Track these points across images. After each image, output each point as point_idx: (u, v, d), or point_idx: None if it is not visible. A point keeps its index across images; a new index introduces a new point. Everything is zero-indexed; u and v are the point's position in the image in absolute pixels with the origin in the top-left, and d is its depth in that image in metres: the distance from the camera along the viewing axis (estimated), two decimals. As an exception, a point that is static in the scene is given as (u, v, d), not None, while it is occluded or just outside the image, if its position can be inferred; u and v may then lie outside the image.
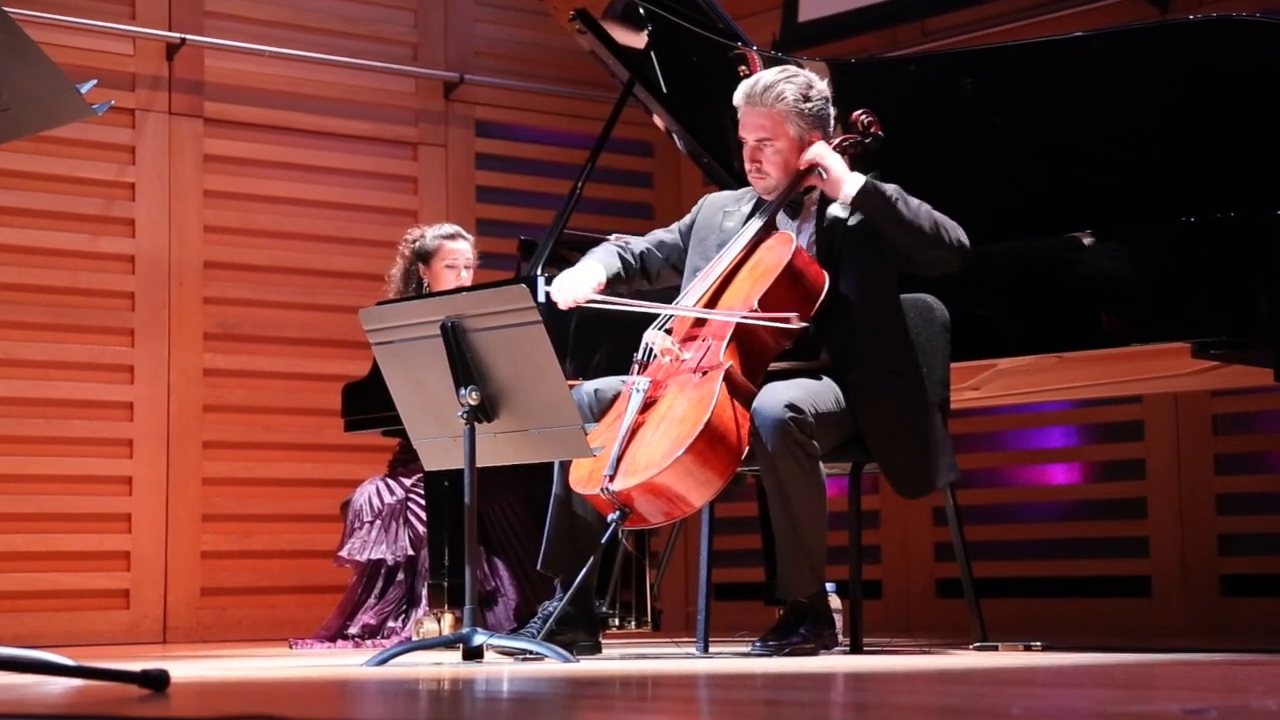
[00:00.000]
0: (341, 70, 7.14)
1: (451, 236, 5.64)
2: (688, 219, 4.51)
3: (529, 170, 7.59)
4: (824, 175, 4.23)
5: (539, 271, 5.04)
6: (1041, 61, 4.92)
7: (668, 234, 4.51)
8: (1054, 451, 6.82)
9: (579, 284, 4.29)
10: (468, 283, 5.61)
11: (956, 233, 4.23)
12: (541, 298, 4.69)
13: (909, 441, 4.26)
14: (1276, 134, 4.67)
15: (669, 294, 4.42)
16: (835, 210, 4.28)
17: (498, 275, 6.24)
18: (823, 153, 4.25)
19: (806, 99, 4.29)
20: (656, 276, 4.48)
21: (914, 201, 4.21)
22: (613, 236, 5.58)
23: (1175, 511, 6.30)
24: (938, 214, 4.22)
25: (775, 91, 4.29)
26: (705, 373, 4.05)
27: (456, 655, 4.01)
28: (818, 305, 4.18)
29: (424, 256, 5.62)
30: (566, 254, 5.45)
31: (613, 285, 4.36)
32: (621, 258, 4.42)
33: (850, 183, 4.19)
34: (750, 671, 3.47)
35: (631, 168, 7.77)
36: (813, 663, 3.84)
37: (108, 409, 6.60)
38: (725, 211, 4.44)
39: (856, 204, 4.19)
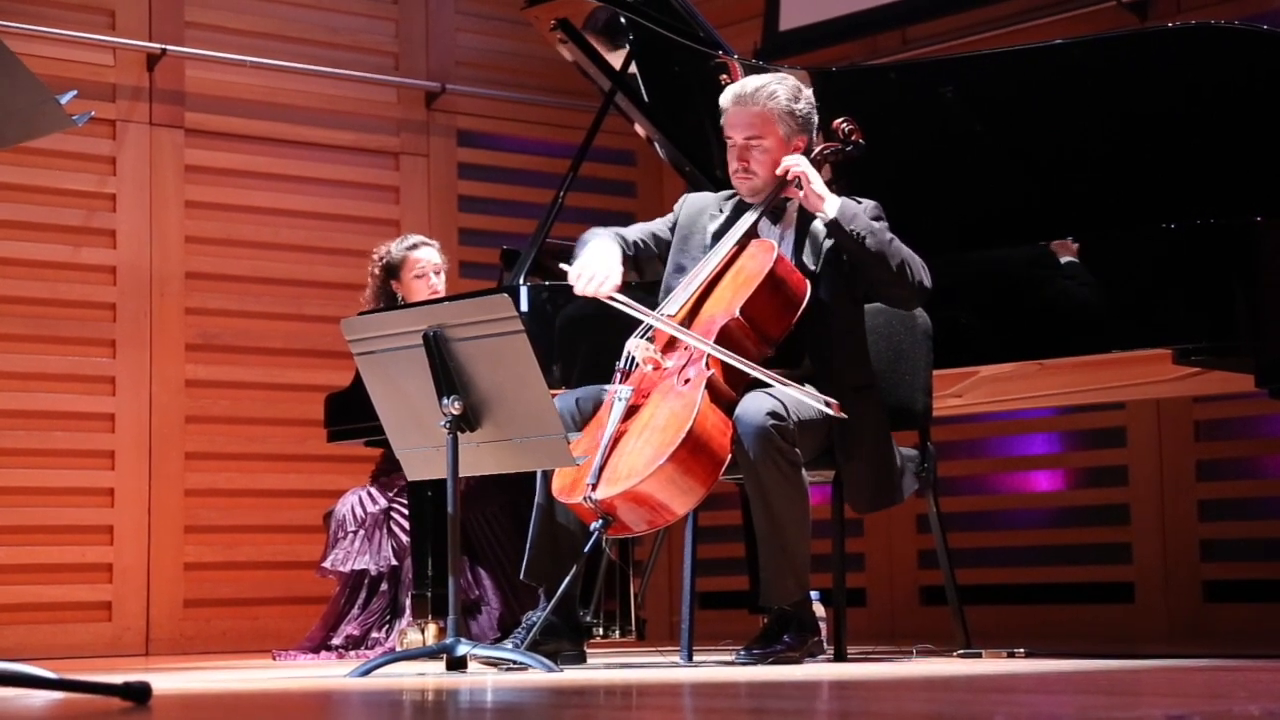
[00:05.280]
0: (323, 80, 7.14)
1: (414, 246, 5.64)
2: (671, 216, 4.48)
3: (511, 180, 7.59)
4: (801, 187, 4.22)
5: (521, 281, 5.04)
6: (1022, 69, 4.93)
7: (659, 228, 4.46)
8: (1037, 458, 6.83)
9: (607, 272, 4.18)
10: (440, 289, 5.60)
11: (920, 274, 4.21)
12: (524, 295, 4.68)
13: (869, 457, 4.24)
14: (1254, 140, 4.69)
15: (650, 295, 4.39)
16: (817, 219, 4.28)
17: (480, 285, 6.24)
18: (804, 165, 4.24)
19: (796, 101, 4.31)
20: (643, 271, 4.42)
21: (887, 235, 4.19)
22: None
23: (1158, 517, 6.31)
24: (906, 252, 4.20)
25: (767, 91, 4.30)
26: (688, 381, 4.05)
27: (440, 666, 4.01)
28: (799, 313, 4.18)
29: (392, 271, 5.63)
30: (549, 264, 5.45)
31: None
32: (622, 249, 4.32)
33: (830, 203, 4.18)
34: (734, 680, 3.47)
35: (614, 177, 7.77)
36: (797, 671, 3.84)
37: (89, 420, 6.58)
38: (708, 214, 4.42)
39: (833, 228, 4.18)
